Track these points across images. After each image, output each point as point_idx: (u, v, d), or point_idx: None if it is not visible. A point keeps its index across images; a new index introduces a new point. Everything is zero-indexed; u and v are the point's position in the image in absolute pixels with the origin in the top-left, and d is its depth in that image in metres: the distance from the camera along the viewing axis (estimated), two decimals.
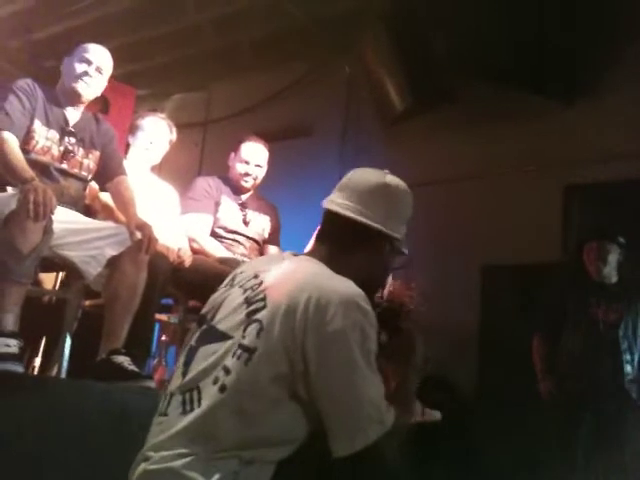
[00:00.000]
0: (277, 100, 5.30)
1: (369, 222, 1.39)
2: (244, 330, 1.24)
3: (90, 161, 2.59)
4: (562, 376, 3.33)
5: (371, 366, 1.22)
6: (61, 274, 2.91)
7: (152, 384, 2.29)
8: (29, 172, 2.18)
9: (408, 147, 4.54)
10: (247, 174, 3.26)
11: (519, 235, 4.03)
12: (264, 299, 1.26)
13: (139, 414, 1.93)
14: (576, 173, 4.03)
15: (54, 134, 2.47)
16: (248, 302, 1.29)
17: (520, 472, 3.23)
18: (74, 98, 2.55)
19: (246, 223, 3.27)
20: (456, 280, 4.10)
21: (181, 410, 1.23)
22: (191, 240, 3.05)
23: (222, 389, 1.19)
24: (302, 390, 1.20)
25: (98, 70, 2.56)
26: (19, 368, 1.95)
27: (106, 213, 2.75)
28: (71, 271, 2.48)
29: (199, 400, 1.21)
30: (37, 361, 3.04)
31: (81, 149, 2.56)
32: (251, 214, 3.31)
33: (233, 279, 1.43)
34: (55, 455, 1.74)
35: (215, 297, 1.43)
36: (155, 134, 3.05)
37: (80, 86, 2.52)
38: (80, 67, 2.51)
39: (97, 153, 2.62)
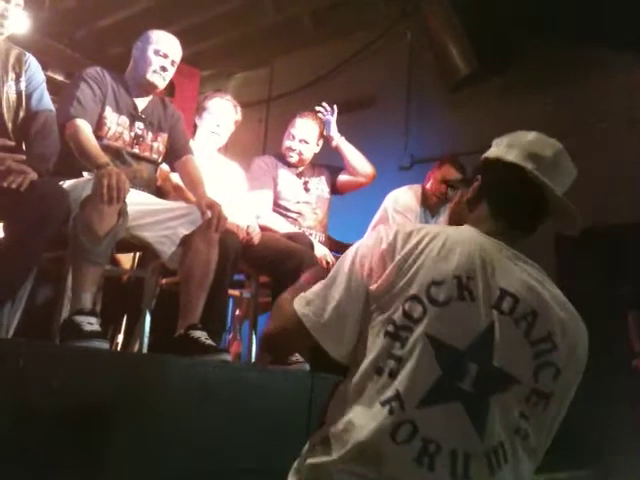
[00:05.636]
0: (339, 72, 5.27)
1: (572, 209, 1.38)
2: (536, 374, 1.22)
3: (159, 144, 2.67)
4: None
5: None
6: (138, 254, 3.00)
7: (228, 357, 2.36)
8: (104, 157, 2.25)
9: (472, 112, 4.43)
10: (291, 149, 3.31)
11: (595, 194, 3.87)
12: (550, 338, 1.23)
13: (219, 387, 2.00)
14: None
15: (124, 120, 2.55)
16: (531, 341, 1.22)
17: None
18: (148, 88, 2.63)
19: (307, 190, 3.35)
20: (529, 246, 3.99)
21: (488, 471, 1.18)
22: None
23: (525, 437, 1.22)
24: None
25: (173, 63, 2.63)
26: (104, 345, 2.02)
27: (177, 194, 2.82)
28: (147, 251, 2.56)
29: (505, 456, 1.20)
30: (119, 338, 3.17)
31: (150, 133, 2.63)
32: (310, 180, 3.38)
33: (465, 287, 1.22)
34: (147, 426, 1.80)
35: (447, 313, 1.20)
36: (221, 116, 3.09)
37: (157, 80, 2.59)
38: (157, 60, 2.58)
39: (165, 136, 2.69)
